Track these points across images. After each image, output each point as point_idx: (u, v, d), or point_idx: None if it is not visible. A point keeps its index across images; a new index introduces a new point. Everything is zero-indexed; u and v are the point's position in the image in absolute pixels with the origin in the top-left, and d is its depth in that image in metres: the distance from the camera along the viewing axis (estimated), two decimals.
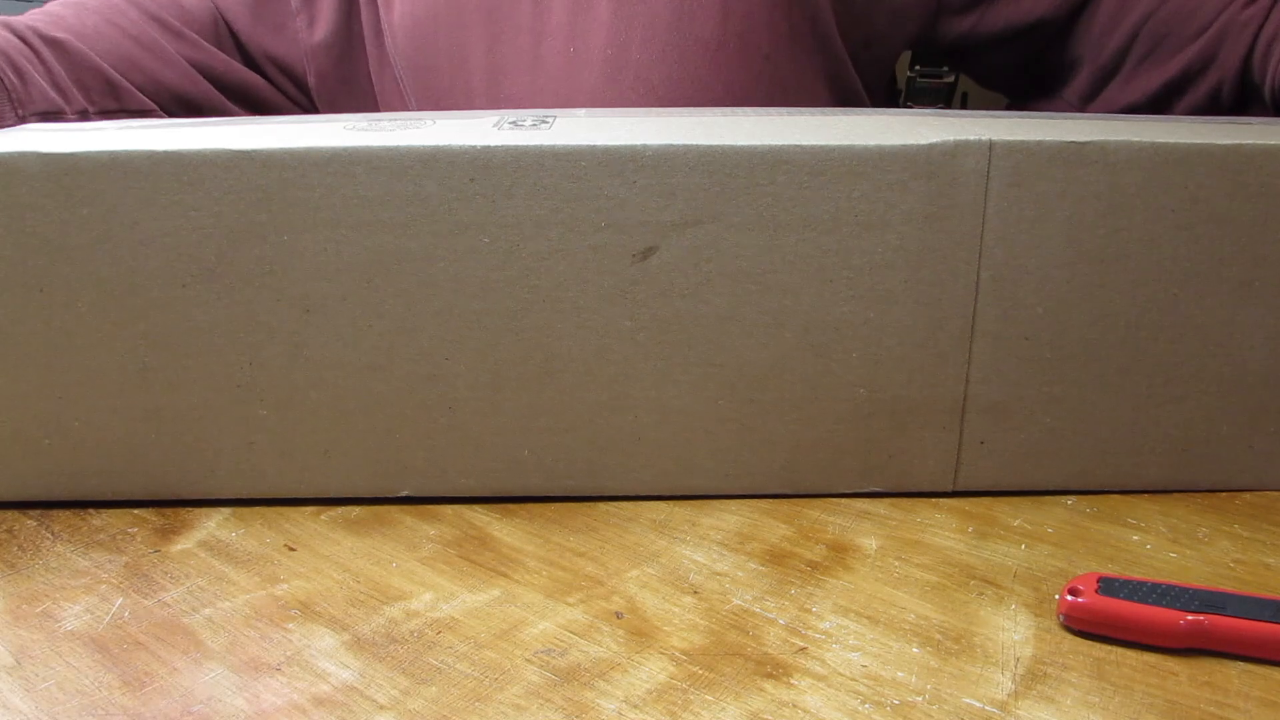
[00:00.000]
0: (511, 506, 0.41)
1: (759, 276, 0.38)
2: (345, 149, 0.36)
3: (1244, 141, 0.37)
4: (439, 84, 0.61)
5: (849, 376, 0.40)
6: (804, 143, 0.37)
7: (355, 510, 0.41)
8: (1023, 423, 0.41)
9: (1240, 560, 0.38)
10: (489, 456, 0.41)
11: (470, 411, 0.40)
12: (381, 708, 0.30)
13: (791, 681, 0.31)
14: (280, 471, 0.41)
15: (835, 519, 0.41)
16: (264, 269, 0.38)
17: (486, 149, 0.36)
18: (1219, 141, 0.37)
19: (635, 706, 0.30)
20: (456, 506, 0.41)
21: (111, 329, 0.38)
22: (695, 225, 0.37)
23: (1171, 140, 0.37)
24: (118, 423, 0.40)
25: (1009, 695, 0.31)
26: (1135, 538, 0.40)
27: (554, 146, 0.36)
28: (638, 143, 0.36)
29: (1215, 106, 0.55)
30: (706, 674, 0.32)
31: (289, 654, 0.33)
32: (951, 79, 0.66)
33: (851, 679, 0.31)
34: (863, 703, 0.30)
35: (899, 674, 0.32)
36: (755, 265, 0.38)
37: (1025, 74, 0.67)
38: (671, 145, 0.36)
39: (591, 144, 0.36)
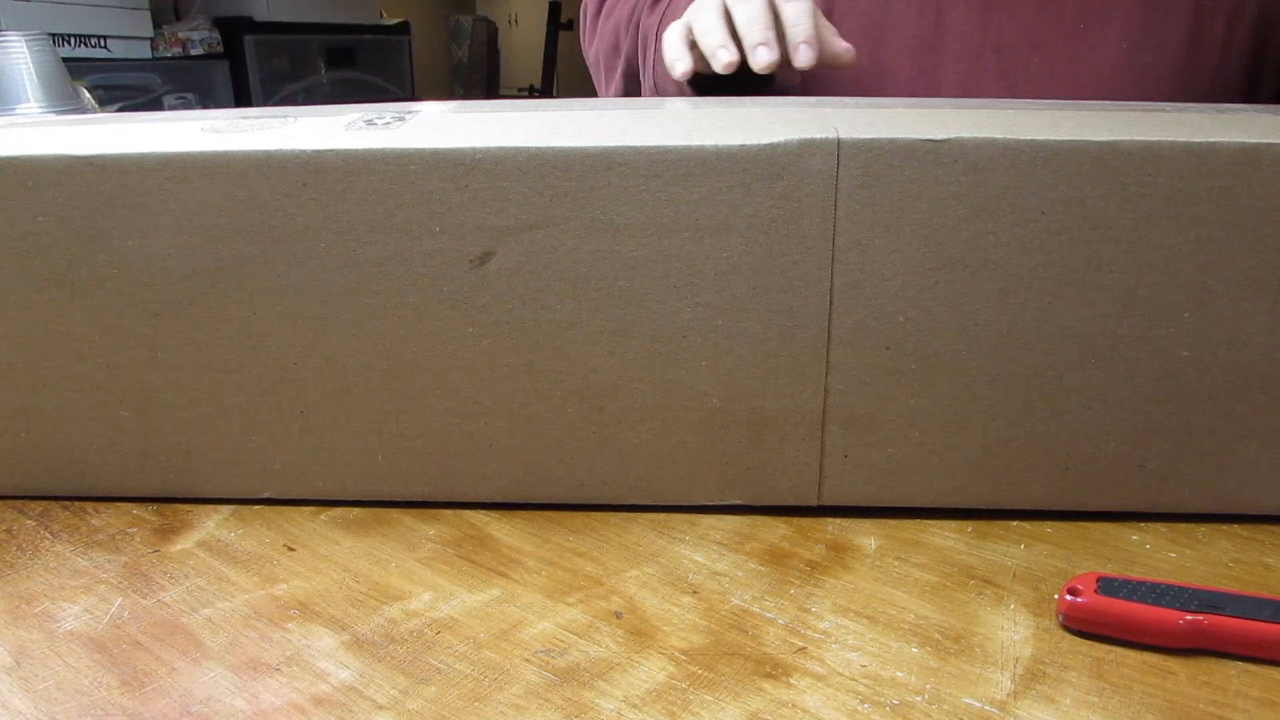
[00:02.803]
0: (511, 506, 0.41)
1: (600, 283, 0.37)
2: (179, 154, 0.36)
3: (1121, 139, 0.34)
4: None
5: (700, 386, 0.38)
6: (638, 143, 0.35)
7: (354, 510, 0.41)
8: (889, 436, 0.39)
9: (1239, 560, 0.37)
10: (344, 460, 0.41)
11: (322, 416, 0.40)
12: (381, 708, 0.30)
13: (791, 681, 0.31)
14: (145, 471, 0.41)
15: (834, 518, 0.40)
16: (113, 274, 0.38)
17: (317, 153, 0.36)
18: (1093, 139, 0.34)
19: (634, 706, 0.30)
20: (456, 507, 0.41)
21: None
22: (530, 230, 0.36)
23: (1038, 138, 0.34)
24: None
25: (1008, 695, 0.30)
26: (1135, 537, 0.39)
27: (383, 150, 0.36)
28: (466, 145, 0.35)
29: None
30: (706, 674, 0.31)
31: (288, 654, 0.33)
32: None
33: (851, 679, 0.31)
34: (862, 702, 0.30)
35: (898, 674, 0.31)
36: (595, 271, 0.37)
37: None
38: (500, 147, 0.35)
39: (420, 146, 0.35)
